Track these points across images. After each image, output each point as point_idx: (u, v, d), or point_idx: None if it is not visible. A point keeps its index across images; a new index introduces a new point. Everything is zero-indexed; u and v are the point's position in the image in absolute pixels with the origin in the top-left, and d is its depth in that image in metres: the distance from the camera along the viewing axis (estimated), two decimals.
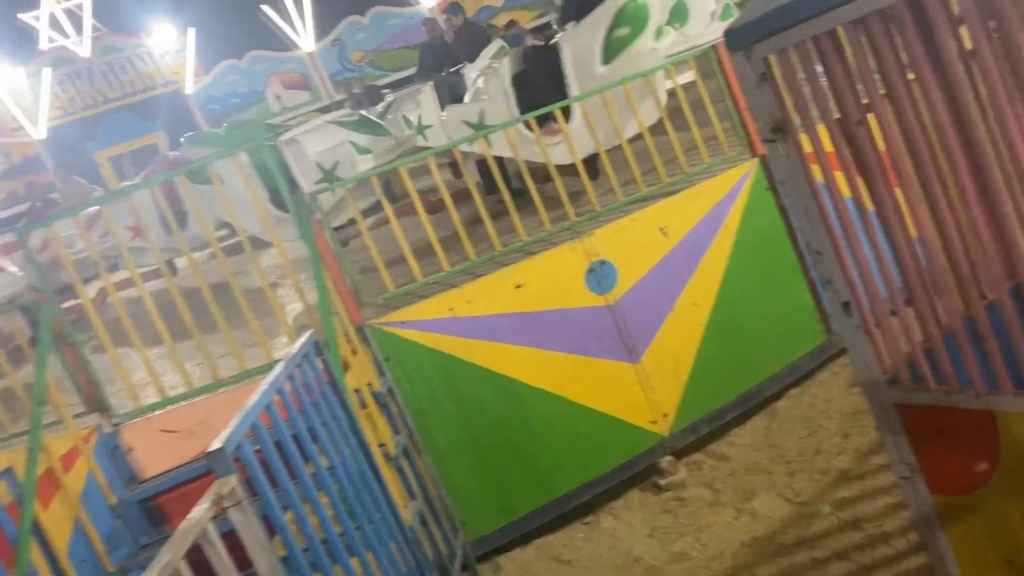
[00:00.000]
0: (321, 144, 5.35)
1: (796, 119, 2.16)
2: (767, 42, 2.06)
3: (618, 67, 5.75)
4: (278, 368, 2.95)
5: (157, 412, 4.55)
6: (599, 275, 4.87)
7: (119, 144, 13.07)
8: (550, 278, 4.81)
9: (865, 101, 2.02)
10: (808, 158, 2.11)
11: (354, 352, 4.40)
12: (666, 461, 4.95)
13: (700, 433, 5.09)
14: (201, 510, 2.05)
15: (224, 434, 2.33)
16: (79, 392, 4.53)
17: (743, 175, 5.22)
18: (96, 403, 4.50)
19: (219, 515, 2.33)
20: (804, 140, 2.15)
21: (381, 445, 4.32)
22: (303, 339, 3.41)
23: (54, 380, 4.47)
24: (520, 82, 6.14)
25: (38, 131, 14.25)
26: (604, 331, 4.89)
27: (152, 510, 4.48)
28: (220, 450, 2.22)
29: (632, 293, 4.94)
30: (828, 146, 2.08)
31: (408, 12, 17.01)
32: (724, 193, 5.18)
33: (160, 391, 4.59)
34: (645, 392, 4.97)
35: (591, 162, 5.70)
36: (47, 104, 14.34)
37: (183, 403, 4.54)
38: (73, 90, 14.39)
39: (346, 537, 3.05)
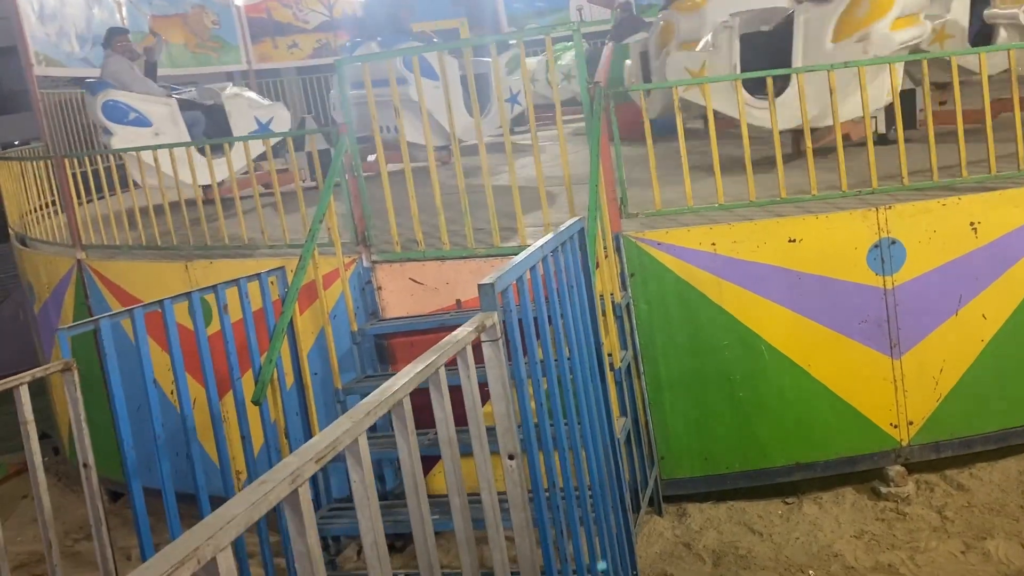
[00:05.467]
0: None
1: None
2: None
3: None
4: (548, 235, 2.93)
5: (411, 262, 4.77)
6: (885, 254, 4.43)
7: (427, 21, 13.59)
8: (829, 242, 4.44)
9: None
10: None
11: (605, 257, 4.34)
12: (895, 471, 4.53)
13: (941, 454, 4.58)
14: (465, 331, 2.07)
15: (496, 273, 2.34)
16: (351, 224, 4.84)
17: None
18: (363, 237, 4.79)
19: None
20: None
21: (608, 355, 4.27)
22: (571, 221, 3.37)
23: (338, 211, 4.80)
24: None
25: None
26: (872, 315, 4.47)
27: (382, 347, 4.76)
28: (490, 285, 2.23)
29: (916, 283, 4.46)
30: None
31: None
32: None
33: (419, 243, 4.81)
34: (896, 392, 4.53)
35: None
36: None
37: (436, 261, 4.73)
38: None
39: (568, 428, 3.03)
